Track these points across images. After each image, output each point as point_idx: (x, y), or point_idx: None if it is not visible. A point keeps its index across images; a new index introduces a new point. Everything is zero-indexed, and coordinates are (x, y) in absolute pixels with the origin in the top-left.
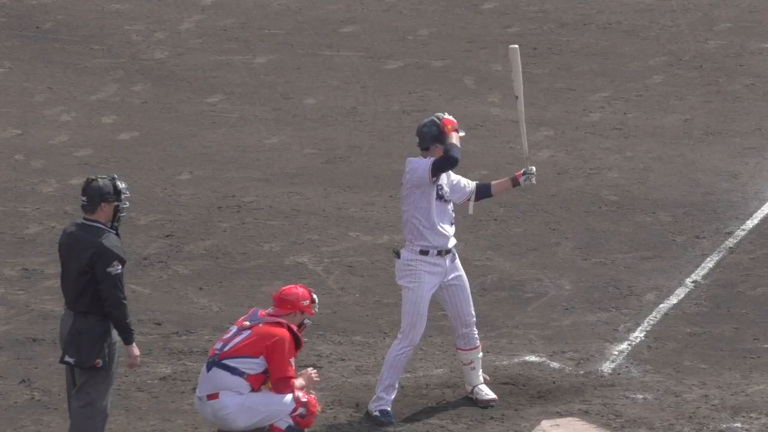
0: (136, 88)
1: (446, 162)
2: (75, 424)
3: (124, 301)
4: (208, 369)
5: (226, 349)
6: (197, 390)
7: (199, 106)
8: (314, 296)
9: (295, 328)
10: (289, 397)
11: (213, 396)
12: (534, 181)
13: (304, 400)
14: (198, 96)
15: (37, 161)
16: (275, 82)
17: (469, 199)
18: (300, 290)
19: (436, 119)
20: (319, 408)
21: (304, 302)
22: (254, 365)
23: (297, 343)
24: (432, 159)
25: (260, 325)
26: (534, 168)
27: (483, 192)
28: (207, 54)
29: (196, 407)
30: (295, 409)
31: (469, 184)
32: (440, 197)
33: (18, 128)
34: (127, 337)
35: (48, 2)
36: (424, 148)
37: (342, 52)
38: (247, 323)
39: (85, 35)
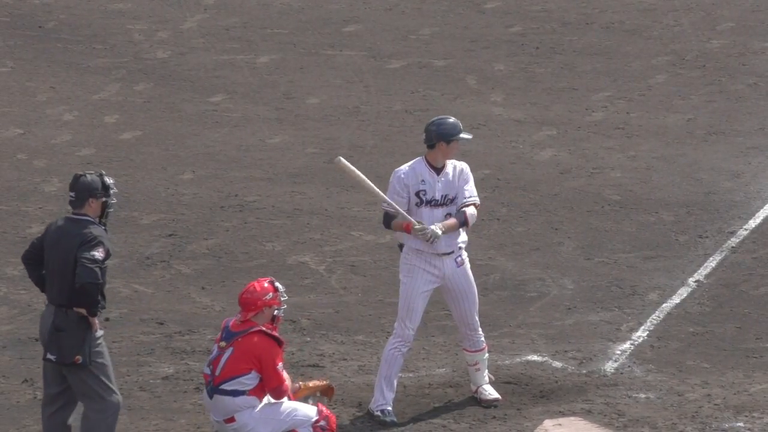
0: (139, 88)
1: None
2: (86, 418)
3: (99, 281)
4: (210, 396)
5: (217, 373)
6: (211, 414)
7: (202, 105)
8: (277, 285)
9: (269, 328)
10: (314, 409)
11: (229, 420)
12: (430, 240)
13: (327, 414)
14: (200, 95)
15: (40, 160)
16: (278, 81)
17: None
18: (260, 285)
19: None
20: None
21: (268, 296)
22: (249, 381)
23: (278, 342)
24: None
25: (238, 339)
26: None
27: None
28: (209, 53)
29: (216, 428)
30: (317, 421)
31: (463, 200)
32: (427, 203)
33: (20, 127)
34: (92, 311)
35: (51, 2)
36: (430, 146)
37: (345, 52)
38: (223, 343)
39: (87, 35)
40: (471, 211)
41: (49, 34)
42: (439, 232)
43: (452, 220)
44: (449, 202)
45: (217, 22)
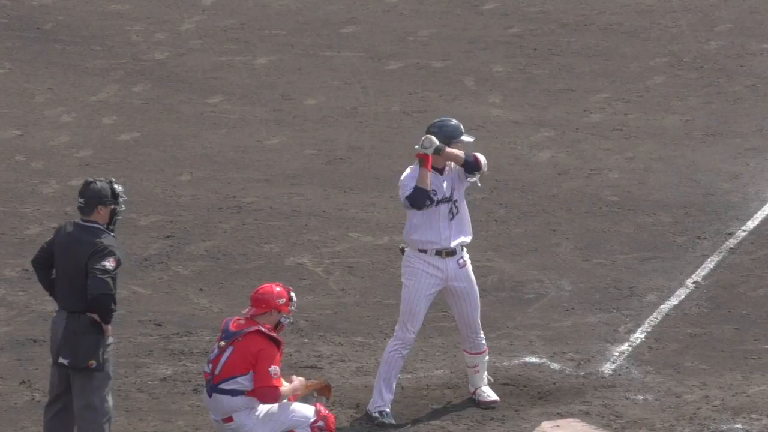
0: (137, 89)
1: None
2: (80, 428)
3: (112, 292)
4: (209, 395)
5: (217, 372)
6: (210, 413)
7: (200, 106)
8: (292, 294)
9: (268, 329)
10: (312, 409)
11: (228, 419)
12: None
13: (325, 414)
14: (198, 97)
15: (38, 162)
16: (276, 82)
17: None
18: (276, 289)
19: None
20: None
21: (280, 301)
22: (248, 381)
23: (276, 344)
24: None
25: (238, 339)
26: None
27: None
28: (207, 55)
29: (216, 427)
30: (315, 421)
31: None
32: (439, 202)
33: (18, 129)
34: (106, 320)
35: (49, 3)
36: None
37: (342, 53)
38: (223, 343)
39: (85, 36)
40: (482, 157)
41: (47, 36)
42: (435, 140)
43: (459, 151)
44: (452, 196)
45: (215, 24)
